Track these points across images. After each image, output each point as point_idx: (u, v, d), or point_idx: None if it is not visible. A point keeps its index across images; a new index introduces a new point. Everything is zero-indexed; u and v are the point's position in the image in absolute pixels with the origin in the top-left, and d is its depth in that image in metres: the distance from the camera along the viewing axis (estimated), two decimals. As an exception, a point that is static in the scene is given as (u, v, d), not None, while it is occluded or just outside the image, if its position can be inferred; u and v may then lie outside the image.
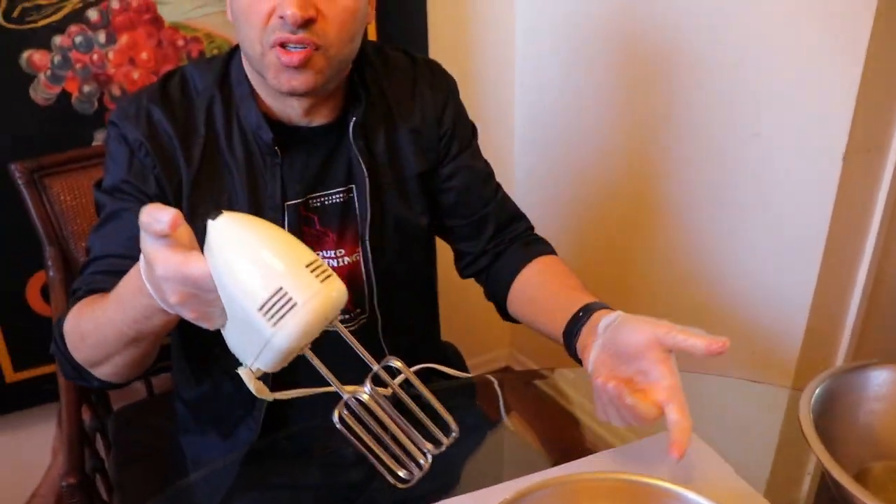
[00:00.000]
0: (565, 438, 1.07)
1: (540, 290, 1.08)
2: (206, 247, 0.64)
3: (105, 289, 0.91)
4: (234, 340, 0.68)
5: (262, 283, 0.61)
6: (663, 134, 1.66)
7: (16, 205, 1.26)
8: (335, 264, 1.06)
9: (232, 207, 0.99)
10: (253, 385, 0.68)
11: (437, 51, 1.82)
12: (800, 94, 1.37)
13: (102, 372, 0.90)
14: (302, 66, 0.90)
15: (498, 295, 1.14)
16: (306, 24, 0.88)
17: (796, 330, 1.48)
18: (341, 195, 1.05)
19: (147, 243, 0.66)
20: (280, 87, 0.92)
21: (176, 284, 0.65)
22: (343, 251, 1.06)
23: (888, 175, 1.40)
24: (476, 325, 1.72)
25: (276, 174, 0.99)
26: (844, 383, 0.87)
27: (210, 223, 0.64)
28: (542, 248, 1.15)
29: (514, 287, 1.11)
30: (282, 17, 0.87)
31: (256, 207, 0.99)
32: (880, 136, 1.37)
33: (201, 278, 0.63)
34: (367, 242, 1.06)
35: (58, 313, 1.23)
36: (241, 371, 0.68)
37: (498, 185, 1.18)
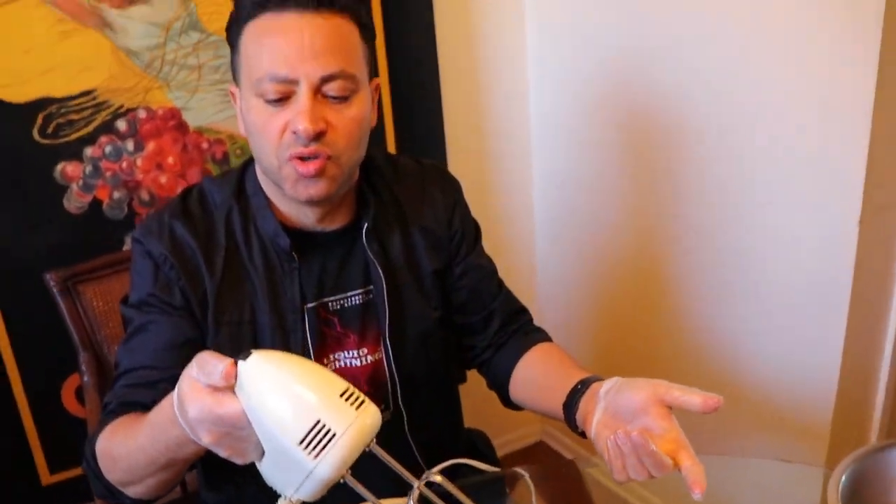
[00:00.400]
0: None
1: (539, 373, 1.11)
2: (237, 386, 0.67)
3: (137, 401, 0.94)
4: (271, 473, 0.69)
5: (299, 418, 0.64)
6: (677, 206, 1.67)
7: (51, 310, 1.31)
8: (358, 363, 1.08)
9: (255, 314, 1.02)
10: None
11: (455, 152, 1.88)
12: (811, 159, 1.38)
13: (134, 491, 0.91)
14: (318, 175, 0.94)
15: (500, 384, 1.16)
16: (318, 136, 0.92)
17: (826, 404, 1.45)
18: (360, 296, 1.08)
19: (183, 383, 0.69)
20: (298, 196, 0.96)
21: (210, 425, 0.68)
22: (366, 350, 1.09)
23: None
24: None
25: (294, 279, 1.03)
26: (874, 464, 0.86)
27: (241, 364, 0.66)
28: (540, 336, 1.18)
29: (515, 374, 1.14)
30: (295, 133, 0.92)
31: (277, 312, 1.02)
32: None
33: (235, 418, 0.66)
34: (389, 341, 1.08)
35: (92, 417, 1.26)
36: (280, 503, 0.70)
37: (501, 281, 1.21)
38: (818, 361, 1.45)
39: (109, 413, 0.96)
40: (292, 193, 0.97)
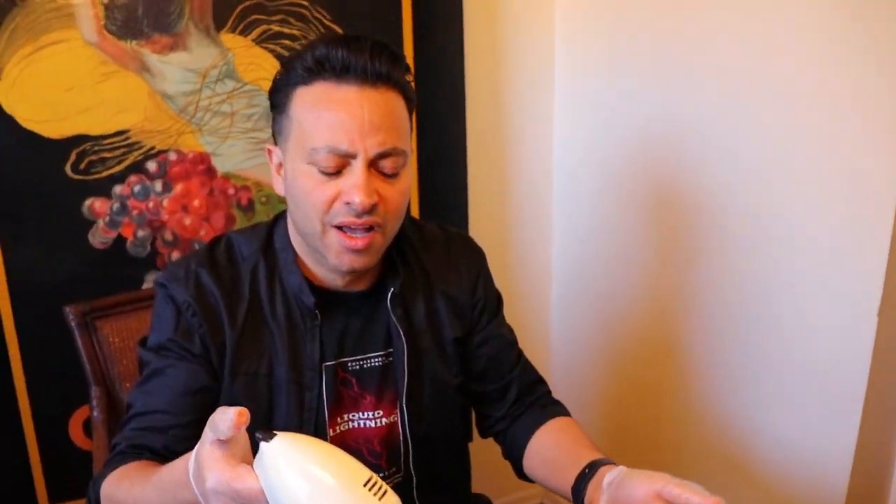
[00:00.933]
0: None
1: (551, 449, 1.11)
2: (258, 464, 0.67)
3: (147, 445, 0.94)
4: None
5: None
6: (697, 281, 1.68)
7: (67, 341, 1.33)
8: (373, 425, 1.09)
9: (272, 367, 1.04)
10: None
11: (477, 219, 1.91)
12: (832, 247, 1.39)
13: None
14: (365, 249, 0.97)
15: (514, 456, 1.17)
16: (370, 209, 0.94)
17: (838, 492, 1.44)
18: (381, 359, 1.09)
19: (201, 451, 0.69)
20: (341, 266, 0.99)
21: (225, 498, 0.68)
22: (381, 412, 1.10)
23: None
24: (506, 462, 1.72)
25: (315, 336, 1.04)
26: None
27: (264, 445, 0.66)
28: (557, 409, 1.18)
29: (529, 448, 1.14)
30: (348, 204, 0.94)
31: (296, 368, 1.04)
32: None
33: (253, 495, 0.66)
34: (405, 405, 1.09)
35: (98, 452, 1.27)
36: None
37: (520, 352, 1.22)
38: (832, 449, 1.45)
39: (118, 454, 0.96)
40: (335, 262, 0.98)
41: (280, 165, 1.03)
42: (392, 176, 0.97)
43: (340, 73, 0.94)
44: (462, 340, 1.15)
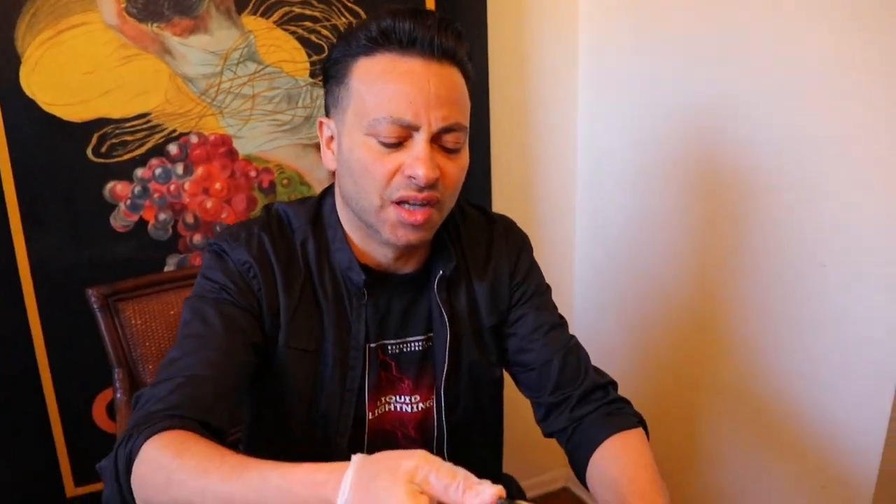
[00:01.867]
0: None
1: (609, 485, 0.98)
2: None
3: (195, 418, 0.84)
4: None
5: None
6: (724, 260, 1.66)
7: (90, 325, 1.33)
8: (409, 409, 1.08)
9: (321, 344, 1.01)
10: None
11: (500, 201, 1.89)
12: (867, 224, 1.36)
13: None
14: (423, 223, 0.94)
15: (577, 468, 1.07)
16: (432, 184, 0.92)
17: (871, 464, 1.41)
18: (421, 343, 1.07)
19: (403, 489, 0.60)
20: (397, 240, 0.96)
21: None
22: (418, 397, 1.08)
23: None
24: (532, 444, 1.70)
25: (361, 315, 1.02)
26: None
27: None
28: (624, 421, 1.05)
29: (591, 466, 1.03)
30: (411, 177, 0.91)
31: (342, 346, 1.02)
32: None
33: None
34: (443, 391, 1.07)
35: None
36: None
37: (573, 341, 1.12)
38: (865, 425, 1.42)
39: (160, 417, 0.82)
40: (390, 236, 0.96)
41: (331, 139, 1.00)
42: (454, 151, 0.95)
43: (406, 45, 0.92)
44: (498, 328, 1.12)
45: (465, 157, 0.97)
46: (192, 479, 0.72)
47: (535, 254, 1.19)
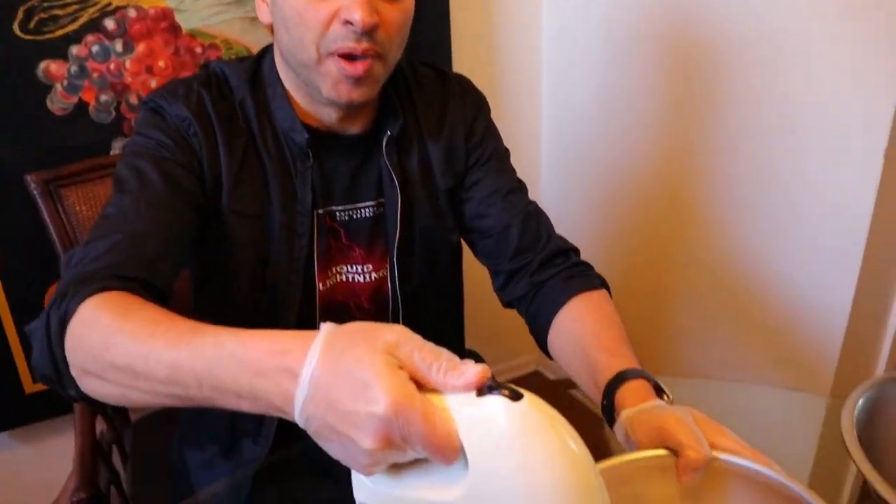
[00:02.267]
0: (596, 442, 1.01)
1: (574, 344, 0.95)
2: (475, 425, 0.51)
3: (137, 278, 0.77)
4: None
5: (573, 497, 0.50)
6: (696, 132, 1.62)
7: (34, 215, 1.25)
8: (362, 280, 1.03)
9: (267, 209, 0.95)
10: None
11: (461, 60, 1.79)
12: (838, 90, 1.32)
13: (95, 389, 0.69)
14: (365, 76, 0.87)
15: (538, 334, 1.03)
16: (371, 32, 0.84)
17: (835, 335, 1.43)
18: (372, 209, 1.01)
19: (377, 360, 0.51)
20: (339, 97, 0.89)
21: (392, 429, 0.50)
22: (371, 267, 1.03)
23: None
24: (502, 329, 1.68)
25: (307, 179, 0.96)
26: (890, 392, 0.82)
27: (505, 403, 0.50)
28: (586, 282, 1.00)
29: (553, 329, 0.99)
30: (347, 23, 0.83)
31: (288, 212, 0.96)
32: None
33: (443, 444, 0.50)
34: (396, 259, 1.02)
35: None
36: None
37: (532, 205, 1.08)
38: (833, 286, 1.41)
39: (97, 277, 0.74)
40: (331, 94, 0.88)
41: None
42: None
43: None
44: (454, 191, 1.06)
45: (408, 1, 0.89)
46: (135, 343, 0.64)
47: (500, 126, 1.12)
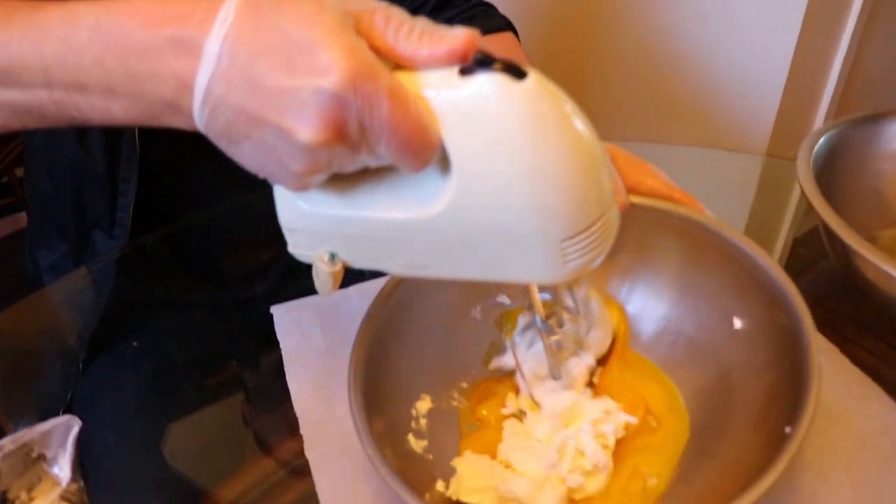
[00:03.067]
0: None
1: None
2: (462, 115, 0.37)
3: None
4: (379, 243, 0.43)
5: (586, 204, 0.38)
6: None
7: None
8: None
9: None
10: None
11: None
12: None
13: None
14: None
15: None
16: None
17: (767, 116, 1.33)
18: None
19: (322, 12, 0.36)
20: None
21: (350, 111, 0.35)
22: None
23: None
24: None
25: None
26: (847, 138, 0.71)
27: (505, 83, 0.36)
28: (491, 22, 0.88)
29: None
30: None
31: None
32: None
33: (426, 148, 0.37)
34: None
35: None
36: None
37: None
38: (764, 75, 1.31)
39: None
40: None
41: None
42: None
43: None
44: None
45: None
46: None
47: None
